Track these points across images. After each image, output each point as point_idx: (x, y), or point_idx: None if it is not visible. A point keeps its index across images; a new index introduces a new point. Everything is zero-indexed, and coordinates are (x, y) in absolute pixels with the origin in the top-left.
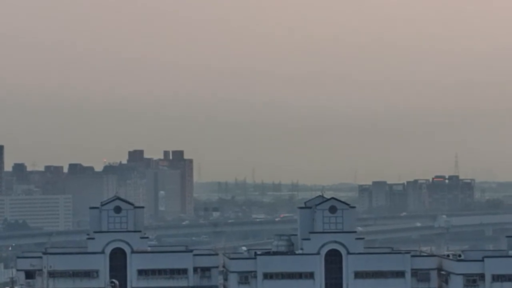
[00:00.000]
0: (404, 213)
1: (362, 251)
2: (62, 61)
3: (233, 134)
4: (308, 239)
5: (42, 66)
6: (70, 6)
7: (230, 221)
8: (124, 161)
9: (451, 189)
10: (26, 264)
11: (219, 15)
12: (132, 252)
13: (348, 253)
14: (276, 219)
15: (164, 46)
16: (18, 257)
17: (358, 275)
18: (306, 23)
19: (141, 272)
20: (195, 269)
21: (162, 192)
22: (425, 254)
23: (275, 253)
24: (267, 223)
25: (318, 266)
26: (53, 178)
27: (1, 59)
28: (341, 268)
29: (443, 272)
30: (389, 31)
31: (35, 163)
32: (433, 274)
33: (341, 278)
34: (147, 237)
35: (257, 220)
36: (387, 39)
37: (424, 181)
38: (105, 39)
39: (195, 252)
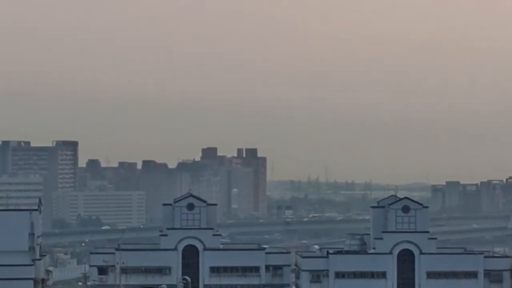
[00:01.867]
0: (477, 214)
1: (434, 251)
2: (136, 60)
3: (306, 132)
4: (381, 238)
5: (117, 64)
6: (142, 7)
7: (304, 219)
8: (198, 159)
9: None
10: (99, 260)
11: (290, 15)
12: (205, 249)
13: (421, 253)
14: (305, 219)
15: (237, 44)
16: (91, 253)
17: (431, 275)
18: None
19: (213, 269)
20: (267, 267)
21: (235, 190)
22: (498, 255)
23: (348, 252)
24: (340, 222)
25: (391, 266)
26: (126, 174)
27: (76, 57)
28: (413, 268)
29: None
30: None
31: (109, 160)
32: (506, 275)
33: (413, 278)
34: (220, 235)
35: (330, 219)
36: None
37: (498, 182)
38: (177, 37)
39: (267, 250)
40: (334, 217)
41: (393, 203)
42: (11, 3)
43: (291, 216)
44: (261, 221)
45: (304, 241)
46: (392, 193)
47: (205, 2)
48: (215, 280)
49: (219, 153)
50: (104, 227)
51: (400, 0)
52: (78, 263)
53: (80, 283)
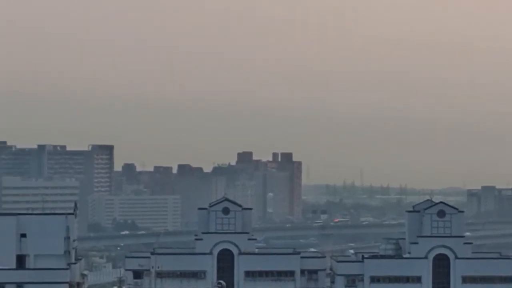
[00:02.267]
0: None
1: (470, 256)
2: (172, 63)
3: (342, 136)
4: (416, 243)
5: (155, 68)
6: (179, 10)
7: (338, 223)
8: (233, 163)
9: None
10: (134, 264)
11: (322, 17)
12: (240, 253)
13: (456, 257)
14: (331, 224)
15: (274, 49)
16: (127, 257)
17: (466, 280)
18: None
19: (248, 274)
20: (302, 272)
21: (270, 194)
22: None
23: (383, 257)
24: (375, 226)
25: (426, 270)
26: (162, 178)
27: (117, 63)
28: (448, 272)
29: None
30: None
31: (145, 164)
32: None
33: (449, 282)
34: (255, 239)
35: (365, 223)
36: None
37: None
38: (218, 41)
39: (302, 254)
40: (362, 221)
41: (429, 207)
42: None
43: (318, 221)
44: (289, 225)
45: (340, 246)
46: (428, 197)
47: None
48: (250, 285)
49: (255, 157)
50: (140, 231)
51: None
52: (113, 267)
53: (115, 287)
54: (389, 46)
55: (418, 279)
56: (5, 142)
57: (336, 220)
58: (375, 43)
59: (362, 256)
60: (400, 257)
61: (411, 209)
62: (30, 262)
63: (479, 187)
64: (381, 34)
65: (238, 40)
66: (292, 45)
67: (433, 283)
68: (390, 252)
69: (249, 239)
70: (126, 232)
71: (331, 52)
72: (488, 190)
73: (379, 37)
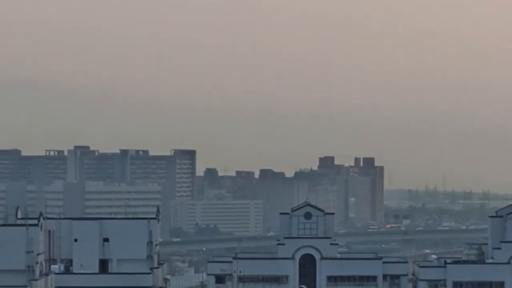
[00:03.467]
0: None
1: None
2: (257, 69)
3: (424, 141)
4: (499, 248)
5: (238, 74)
6: (231, 10)
7: (419, 228)
8: (315, 168)
9: None
10: (216, 269)
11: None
12: (322, 258)
13: None
14: (381, 229)
15: (355, 52)
16: (209, 262)
17: None
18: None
19: (330, 279)
20: (384, 277)
21: (352, 199)
22: None
23: (465, 262)
24: (457, 232)
25: (509, 276)
26: (244, 183)
27: (198, 68)
28: None
29: None
30: None
31: (227, 168)
32: None
33: None
34: (337, 244)
35: (447, 228)
36: None
37: None
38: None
39: (384, 259)
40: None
41: None
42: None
43: (395, 224)
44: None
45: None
46: (511, 202)
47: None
48: None
49: (336, 162)
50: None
51: None
52: (196, 271)
53: None
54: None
55: (501, 285)
56: (88, 147)
57: (388, 226)
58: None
59: (445, 261)
60: (483, 262)
61: (494, 214)
62: (113, 267)
63: None
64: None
65: (324, 44)
66: (374, 47)
67: None
68: (472, 257)
69: (331, 244)
70: (209, 236)
71: (414, 56)
72: None
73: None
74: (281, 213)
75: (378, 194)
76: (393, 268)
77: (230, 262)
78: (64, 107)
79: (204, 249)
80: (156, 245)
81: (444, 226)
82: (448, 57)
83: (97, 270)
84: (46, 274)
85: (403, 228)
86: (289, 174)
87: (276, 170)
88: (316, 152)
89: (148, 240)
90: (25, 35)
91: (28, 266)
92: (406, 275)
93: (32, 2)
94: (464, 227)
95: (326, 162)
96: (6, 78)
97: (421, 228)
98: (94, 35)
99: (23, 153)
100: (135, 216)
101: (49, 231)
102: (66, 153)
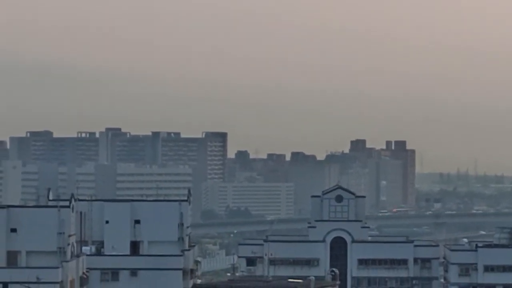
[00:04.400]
0: None
1: None
2: (288, 56)
3: (456, 124)
4: None
5: (272, 58)
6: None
7: (451, 212)
8: (346, 151)
9: None
10: (247, 251)
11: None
12: (353, 241)
13: None
14: (388, 213)
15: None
16: (240, 244)
17: None
18: None
19: (361, 262)
20: (415, 260)
21: (383, 182)
22: None
23: (497, 246)
24: (489, 215)
25: None
26: (275, 166)
27: (228, 56)
28: None
29: None
30: None
31: (258, 151)
32: None
33: None
34: (368, 227)
35: (479, 212)
36: None
37: None
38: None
39: (416, 243)
40: (476, 210)
41: None
42: None
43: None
44: (404, 211)
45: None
46: None
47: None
48: (363, 273)
49: (368, 145)
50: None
51: None
52: (227, 254)
53: (228, 274)
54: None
55: None
56: (119, 129)
57: (395, 211)
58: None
59: (476, 245)
60: None
61: None
62: (144, 249)
63: None
64: None
65: (349, 26)
66: (402, 29)
67: None
68: (504, 241)
69: (362, 227)
70: (240, 219)
71: (445, 38)
72: None
73: None
74: (312, 196)
75: (409, 178)
76: (424, 252)
77: (261, 244)
78: (96, 89)
79: (235, 231)
80: (187, 227)
81: (476, 210)
82: (482, 40)
83: (128, 252)
84: (78, 256)
85: (412, 212)
86: (321, 157)
87: (307, 153)
88: (347, 135)
89: (179, 222)
90: (59, 17)
91: (60, 248)
92: (437, 258)
93: None
94: (495, 210)
95: (358, 145)
96: (38, 60)
97: (453, 211)
98: (120, 16)
99: (55, 135)
100: (166, 198)
101: (81, 212)
102: (97, 135)
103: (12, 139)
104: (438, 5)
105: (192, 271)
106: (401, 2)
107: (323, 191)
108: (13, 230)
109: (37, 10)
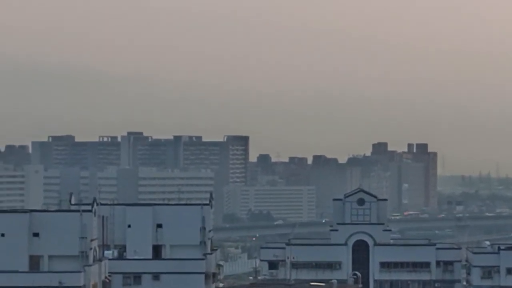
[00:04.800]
0: None
1: None
2: (300, 51)
3: (478, 127)
4: None
5: (280, 57)
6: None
7: (473, 215)
8: (368, 154)
9: None
10: (269, 255)
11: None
12: (375, 244)
13: None
14: (398, 217)
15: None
16: (262, 248)
17: None
18: None
19: (384, 265)
20: (437, 263)
21: (405, 185)
22: None
23: None
24: (511, 218)
25: None
26: (297, 169)
27: (247, 60)
28: None
29: None
30: None
31: (280, 154)
32: None
33: None
34: (390, 230)
35: (502, 214)
36: None
37: None
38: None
39: (438, 245)
40: (499, 212)
41: None
42: None
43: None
44: (424, 215)
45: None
46: None
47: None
48: (386, 276)
49: (390, 148)
50: (277, 222)
51: None
52: (249, 257)
53: (250, 278)
54: None
55: None
56: (141, 133)
57: (406, 214)
58: None
59: (498, 247)
60: None
61: None
62: (166, 253)
63: None
64: None
65: (375, 29)
66: (433, 30)
67: None
68: None
69: (384, 230)
70: (262, 222)
71: (471, 40)
72: None
73: None
74: (334, 199)
75: (431, 180)
76: (446, 254)
77: (283, 248)
78: (117, 94)
79: (257, 235)
80: (209, 231)
81: (498, 212)
82: (506, 44)
83: (150, 256)
84: (100, 260)
85: (424, 216)
86: (342, 160)
87: (329, 156)
88: (369, 138)
89: (201, 226)
90: (80, 23)
91: (82, 252)
92: (460, 261)
93: None
94: None
95: (379, 148)
96: (60, 65)
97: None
98: (144, 22)
99: (77, 139)
100: (188, 202)
101: (103, 217)
102: (119, 139)
103: (34, 143)
104: (468, 10)
105: (214, 274)
106: (426, 6)
107: (345, 194)
108: (36, 235)
109: (63, 15)
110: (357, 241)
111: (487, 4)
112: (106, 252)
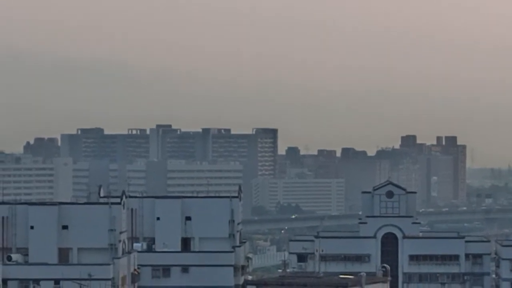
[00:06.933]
0: None
1: None
2: (331, 45)
3: (507, 119)
4: None
5: (310, 51)
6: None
7: (502, 207)
8: (397, 146)
9: None
10: (298, 247)
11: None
12: (404, 237)
13: None
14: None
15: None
16: (291, 240)
17: None
18: None
19: (412, 258)
20: (466, 256)
21: (434, 178)
22: None
23: None
24: None
25: None
26: (325, 162)
27: (278, 52)
28: None
29: None
30: None
31: (308, 147)
32: None
33: None
34: (419, 223)
35: None
36: None
37: None
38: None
39: (467, 238)
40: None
41: None
42: None
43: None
44: (463, 208)
45: (506, 230)
46: None
47: None
48: (414, 268)
49: (419, 141)
50: (293, 216)
51: None
52: (278, 250)
53: (279, 270)
54: None
55: None
56: (170, 126)
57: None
58: None
59: None
60: None
61: None
62: (195, 245)
63: None
64: None
65: (400, 20)
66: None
67: None
68: None
69: (413, 223)
70: (291, 215)
71: (497, 32)
72: None
73: None
74: (363, 192)
75: (460, 173)
76: (475, 247)
77: (312, 240)
78: (146, 86)
79: (286, 227)
80: (238, 223)
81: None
82: None
83: (179, 249)
84: (129, 252)
85: (445, 209)
86: (371, 152)
87: (358, 148)
88: (398, 130)
89: (230, 218)
90: (111, 17)
91: (111, 244)
92: (489, 254)
93: None
94: None
95: (408, 141)
96: (89, 58)
97: (504, 206)
98: (174, 18)
99: (106, 132)
100: (217, 195)
101: (132, 209)
102: (148, 132)
103: (63, 136)
104: (501, 4)
105: (243, 267)
106: (458, 3)
107: (373, 187)
108: (65, 227)
109: (94, 11)
110: (386, 234)
111: None
112: (135, 244)
